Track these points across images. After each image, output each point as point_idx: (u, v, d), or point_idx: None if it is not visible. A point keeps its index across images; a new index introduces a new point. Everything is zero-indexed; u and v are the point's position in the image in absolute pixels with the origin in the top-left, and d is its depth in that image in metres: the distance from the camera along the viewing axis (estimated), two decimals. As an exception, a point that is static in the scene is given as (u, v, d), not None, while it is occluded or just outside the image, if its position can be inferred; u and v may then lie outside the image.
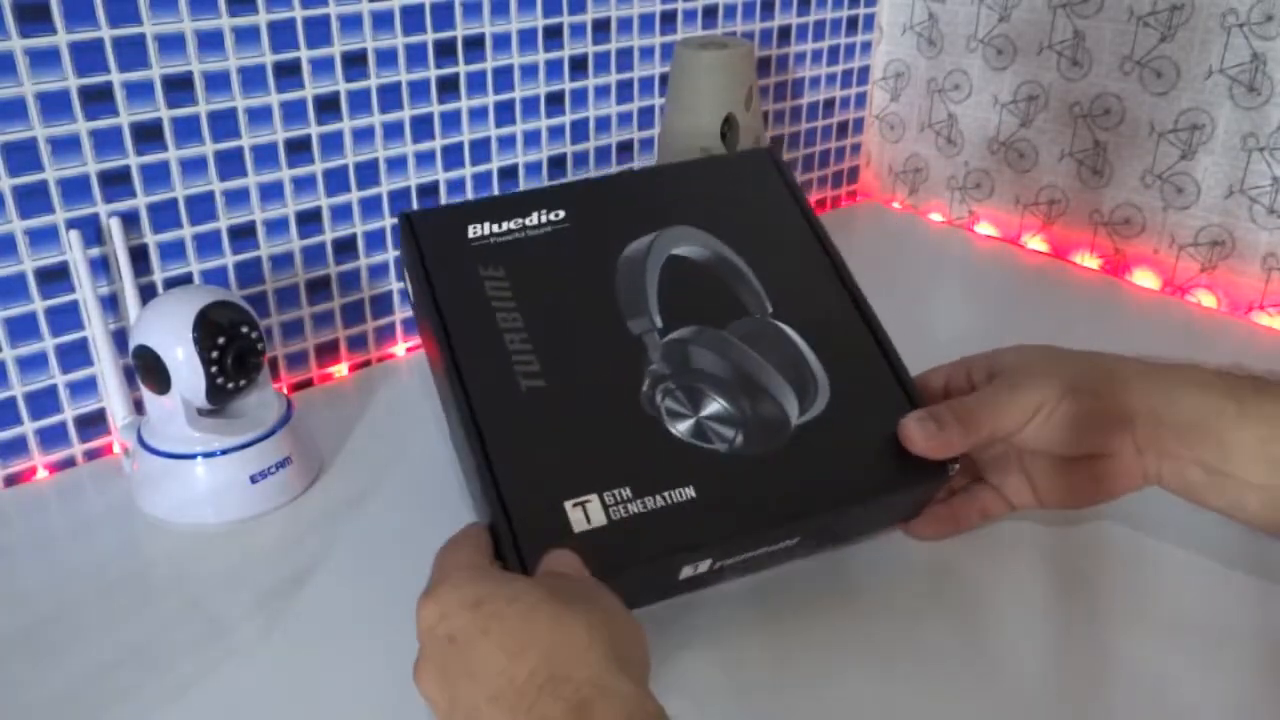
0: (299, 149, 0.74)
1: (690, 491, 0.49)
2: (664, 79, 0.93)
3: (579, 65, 0.87)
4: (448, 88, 0.80)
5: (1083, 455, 0.53)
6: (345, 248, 0.79)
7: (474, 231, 0.55)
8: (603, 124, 0.91)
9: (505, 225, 0.56)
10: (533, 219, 0.56)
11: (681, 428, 0.51)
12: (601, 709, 0.36)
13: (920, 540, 0.58)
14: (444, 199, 0.83)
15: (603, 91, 0.90)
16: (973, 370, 0.56)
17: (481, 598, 0.40)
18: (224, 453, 0.63)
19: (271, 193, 0.74)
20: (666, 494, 0.49)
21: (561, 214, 0.57)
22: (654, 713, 0.37)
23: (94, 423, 0.71)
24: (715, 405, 0.52)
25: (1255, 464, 0.49)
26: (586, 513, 0.48)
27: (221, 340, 0.61)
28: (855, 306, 0.58)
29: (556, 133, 0.88)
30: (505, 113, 0.84)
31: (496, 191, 0.86)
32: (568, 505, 0.48)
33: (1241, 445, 0.49)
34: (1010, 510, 0.58)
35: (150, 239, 0.69)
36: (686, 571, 0.50)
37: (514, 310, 0.53)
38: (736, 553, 0.51)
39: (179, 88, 0.67)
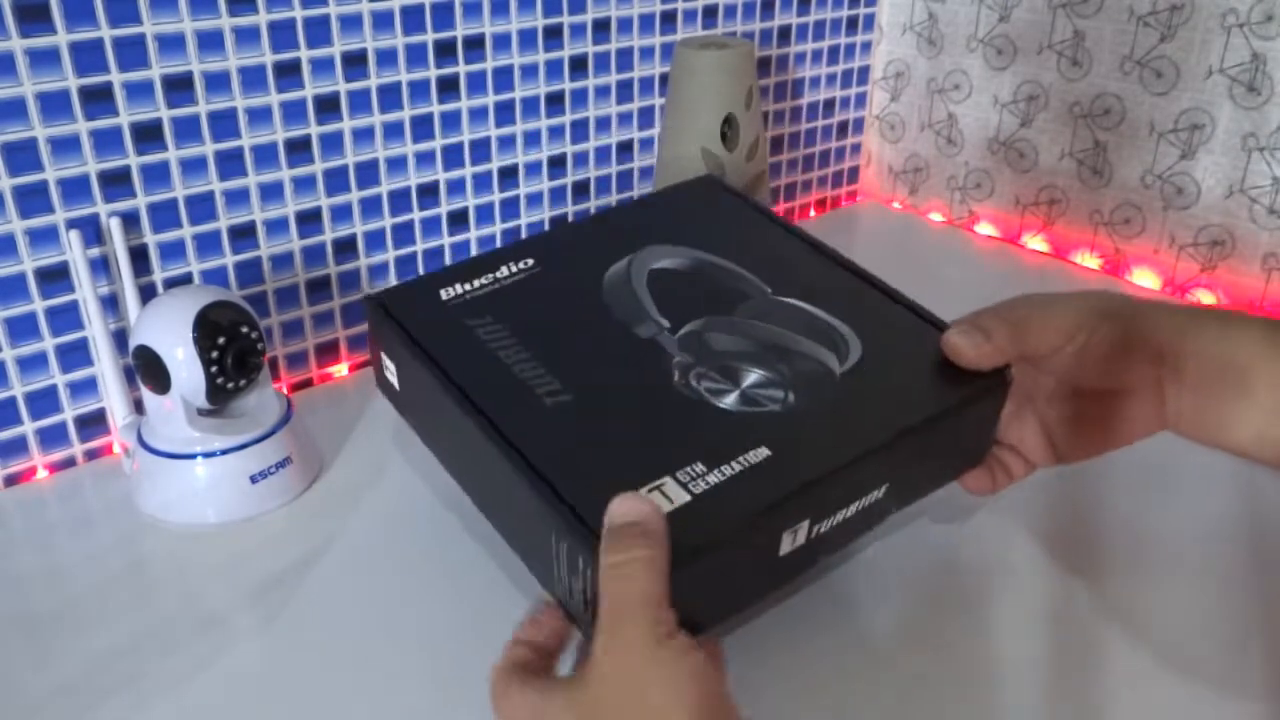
0: (299, 149, 0.74)
1: (765, 450, 0.47)
2: (664, 79, 0.93)
3: (579, 65, 0.87)
4: (448, 88, 0.80)
5: (1104, 391, 0.52)
6: (345, 248, 0.79)
7: (447, 294, 0.55)
8: (603, 124, 0.91)
9: (477, 283, 0.55)
10: (503, 271, 0.56)
11: (728, 401, 0.49)
12: None
13: (972, 494, 0.57)
14: (444, 199, 0.83)
15: (603, 91, 0.90)
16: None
17: None
18: (224, 452, 0.63)
19: (271, 193, 0.74)
20: (741, 458, 0.47)
21: (530, 261, 0.57)
22: None
23: (94, 423, 0.71)
24: (754, 375, 0.50)
25: None
26: (666, 494, 0.45)
27: (221, 340, 0.61)
28: (847, 271, 0.58)
29: (556, 133, 0.88)
30: (505, 113, 0.84)
31: (496, 191, 0.86)
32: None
33: (1269, 376, 0.48)
34: (1030, 470, 0.56)
35: (150, 239, 0.69)
36: (786, 543, 0.47)
37: (514, 345, 0.52)
38: (832, 509, 0.48)
39: (179, 88, 0.67)
